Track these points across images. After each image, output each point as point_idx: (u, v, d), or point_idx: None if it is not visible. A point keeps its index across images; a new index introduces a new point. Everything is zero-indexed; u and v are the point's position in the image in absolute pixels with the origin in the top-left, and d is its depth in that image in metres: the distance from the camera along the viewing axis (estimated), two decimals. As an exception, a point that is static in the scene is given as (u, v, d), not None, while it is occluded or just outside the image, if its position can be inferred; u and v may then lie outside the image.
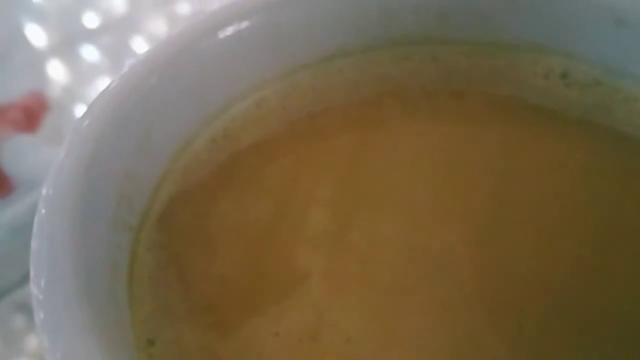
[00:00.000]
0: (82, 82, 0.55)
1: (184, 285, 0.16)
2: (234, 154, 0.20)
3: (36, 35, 0.59)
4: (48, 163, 0.52)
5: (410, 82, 0.21)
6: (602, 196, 0.18)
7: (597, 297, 0.16)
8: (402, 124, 0.21)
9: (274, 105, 0.21)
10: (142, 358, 0.15)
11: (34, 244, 0.14)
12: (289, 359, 0.15)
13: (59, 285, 0.14)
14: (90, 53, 0.56)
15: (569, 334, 0.15)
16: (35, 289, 0.14)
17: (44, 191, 0.15)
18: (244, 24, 0.20)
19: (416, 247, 0.17)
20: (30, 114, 0.49)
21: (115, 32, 0.58)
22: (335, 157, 0.20)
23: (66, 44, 0.58)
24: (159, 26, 0.59)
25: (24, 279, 0.43)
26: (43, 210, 0.15)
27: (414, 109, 0.21)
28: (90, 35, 0.58)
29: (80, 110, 0.53)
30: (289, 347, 0.15)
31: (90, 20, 0.59)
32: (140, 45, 0.57)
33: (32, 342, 0.40)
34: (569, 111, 0.20)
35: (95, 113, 0.17)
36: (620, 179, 0.19)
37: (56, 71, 0.56)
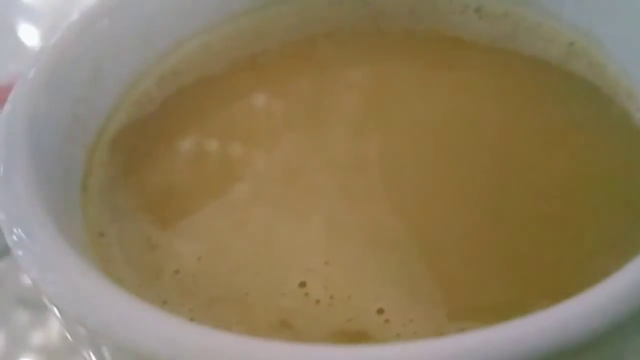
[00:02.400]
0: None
1: (131, 192, 0.19)
2: (181, 90, 0.22)
3: (27, 34, 0.61)
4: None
5: (342, 23, 0.24)
6: (509, 113, 0.21)
7: (483, 196, 0.18)
8: (333, 59, 0.23)
9: (219, 47, 0.23)
10: (94, 244, 0.17)
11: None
12: (216, 245, 0.17)
13: (16, 183, 0.16)
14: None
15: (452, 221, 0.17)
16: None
17: (5, 107, 0.17)
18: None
19: (335, 158, 0.19)
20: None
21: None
22: (271, 89, 0.22)
23: (47, 31, 0.60)
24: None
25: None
26: (3, 119, 0.17)
27: (345, 46, 0.23)
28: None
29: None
30: (218, 236, 0.17)
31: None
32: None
33: (38, 337, 0.42)
34: (480, 40, 0.22)
35: (51, 46, 0.19)
36: (526, 96, 0.21)
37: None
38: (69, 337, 0.16)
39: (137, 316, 0.13)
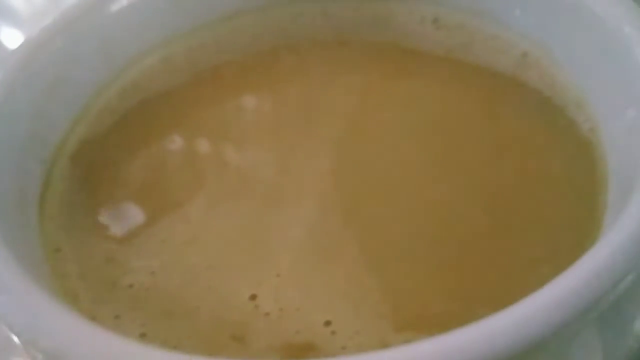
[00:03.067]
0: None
1: (89, 207, 0.19)
2: (142, 102, 0.22)
3: (10, 36, 0.61)
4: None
5: (304, 35, 0.24)
6: (461, 123, 0.21)
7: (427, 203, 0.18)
8: (294, 71, 0.23)
9: (180, 60, 0.23)
10: (49, 260, 0.17)
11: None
12: (170, 259, 0.18)
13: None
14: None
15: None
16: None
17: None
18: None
19: (287, 171, 0.20)
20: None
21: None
22: (233, 100, 0.22)
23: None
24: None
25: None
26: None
27: (306, 57, 0.24)
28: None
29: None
30: (171, 250, 0.18)
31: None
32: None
33: None
34: (436, 50, 0.23)
35: (8, 64, 0.19)
36: (477, 105, 0.22)
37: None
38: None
39: (88, 338, 0.13)
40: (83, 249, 0.18)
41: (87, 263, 0.18)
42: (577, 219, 0.17)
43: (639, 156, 0.16)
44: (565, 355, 0.14)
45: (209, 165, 0.20)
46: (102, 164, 0.20)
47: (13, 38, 0.60)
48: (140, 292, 0.17)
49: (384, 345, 0.15)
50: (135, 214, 0.19)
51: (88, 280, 0.17)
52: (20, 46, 0.20)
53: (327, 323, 0.16)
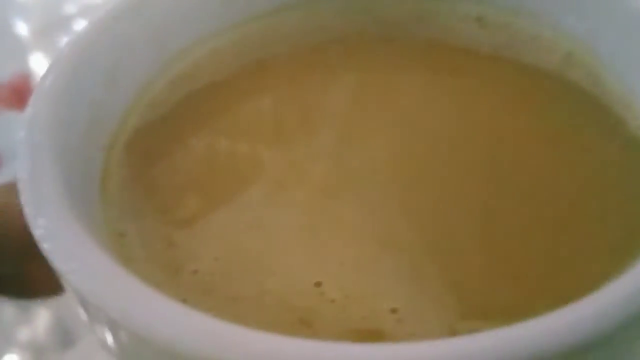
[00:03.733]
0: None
1: (148, 193, 0.19)
2: (191, 93, 0.23)
3: (19, 26, 0.61)
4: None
5: (349, 30, 0.25)
6: (510, 120, 0.22)
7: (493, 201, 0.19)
8: (341, 66, 0.24)
9: (228, 52, 0.24)
10: (114, 244, 0.18)
11: (20, 152, 0.17)
12: (232, 245, 0.18)
13: (42, 183, 0.16)
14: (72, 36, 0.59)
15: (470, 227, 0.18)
16: (23, 194, 0.16)
17: (27, 110, 0.18)
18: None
19: (346, 162, 0.20)
20: (19, 93, 0.52)
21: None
22: (280, 93, 0.23)
23: (47, 33, 0.61)
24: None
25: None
26: (27, 123, 0.18)
27: (352, 53, 0.24)
28: (69, 25, 0.61)
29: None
30: (234, 236, 0.18)
31: (69, 10, 0.61)
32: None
33: (24, 333, 0.42)
34: (481, 49, 0.23)
35: (69, 49, 0.20)
36: (523, 104, 0.22)
37: (38, 58, 0.58)
38: (92, 329, 0.16)
39: (160, 308, 0.14)
40: (146, 235, 0.18)
41: (151, 248, 0.18)
42: (629, 216, 0.18)
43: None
44: (631, 353, 0.14)
45: (263, 155, 0.20)
46: (157, 153, 0.21)
47: (25, 32, 0.60)
48: (205, 277, 0.17)
49: (451, 333, 0.15)
50: (194, 201, 0.19)
51: (153, 265, 0.18)
52: (81, 32, 0.20)
53: (393, 310, 0.16)
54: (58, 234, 0.15)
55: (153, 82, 0.22)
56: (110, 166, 0.20)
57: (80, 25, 0.61)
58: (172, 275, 0.17)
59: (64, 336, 0.40)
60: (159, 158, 0.21)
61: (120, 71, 0.21)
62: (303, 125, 0.22)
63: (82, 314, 0.16)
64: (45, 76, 0.19)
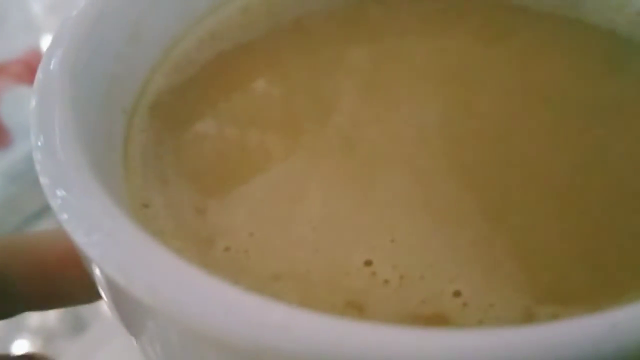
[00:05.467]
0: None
1: (173, 161, 0.17)
2: (221, 54, 0.21)
3: (32, 2, 0.59)
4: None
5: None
6: (569, 85, 0.19)
7: (551, 166, 0.17)
8: (381, 24, 0.21)
9: (260, 9, 0.22)
10: (139, 216, 0.16)
11: (33, 114, 0.15)
12: (269, 220, 0.16)
13: (58, 153, 0.14)
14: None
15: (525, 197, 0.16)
16: (37, 153, 0.14)
17: (43, 62, 0.16)
18: None
19: (395, 130, 0.18)
20: (31, 69, 0.50)
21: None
22: (317, 54, 0.21)
23: (60, 9, 0.59)
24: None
25: (21, 225, 0.44)
26: (41, 83, 0.16)
27: (395, 10, 0.22)
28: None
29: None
30: (270, 210, 0.16)
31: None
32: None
33: (34, 318, 0.41)
34: (542, 6, 0.21)
35: (87, 4, 0.18)
36: (589, 68, 0.20)
37: (51, 31, 0.56)
38: (111, 307, 0.14)
39: (194, 284, 0.12)
40: (173, 206, 0.16)
41: (179, 221, 0.16)
42: None
43: None
44: None
45: (302, 121, 0.18)
46: (183, 117, 0.19)
47: (42, 8, 0.58)
48: (239, 254, 0.15)
49: (527, 320, 0.13)
50: (225, 171, 0.17)
51: (181, 239, 0.16)
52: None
53: (457, 293, 0.14)
54: (77, 204, 0.13)
55: (180, 41, 0.20)
56: (133, 131, 0.18)
57: None
58: (202, 251, 0.15)
59: (75, 322, 0.39)
60: (185, 123, 0.19)
61: (144, 26, 0.19)
62: (345, 90, 0.19)
63: (104, 292, 0.14)
64: (60, 30, 0.17)
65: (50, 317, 0.39)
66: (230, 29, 0.21)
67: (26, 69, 0.51)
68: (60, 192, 0.13)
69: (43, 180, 0.14)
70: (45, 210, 0.45)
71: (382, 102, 0.19)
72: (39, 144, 0.14)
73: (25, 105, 0.51)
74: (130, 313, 0.14)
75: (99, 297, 0.16)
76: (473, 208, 0.16)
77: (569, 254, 0.14)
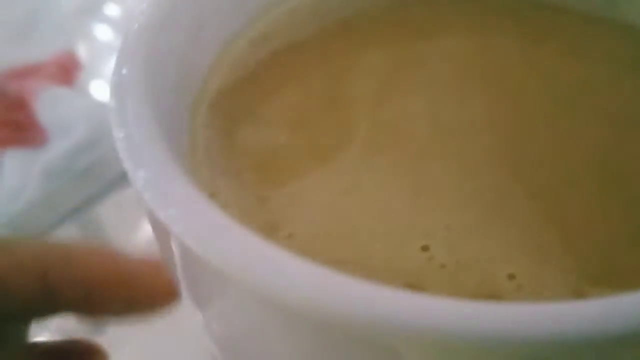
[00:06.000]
0: (110, 41, 0.57)
1: (236, 155, 0.19)
2: (273, 54, 0.22)
3: (64, 3, 0.61)
4: (81, 113, 0.54)
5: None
6: (608, 87, 0.20)
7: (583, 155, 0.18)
8: (427, 24, 0.22)
9: (307, 11, 0.23)
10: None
11: (112, 113, 0.16)
12: (328, 208, 0.17)
13: (138, 140, 0.16)
14: (115, 12, 0.58)
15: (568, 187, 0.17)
16: (120, 144, 0.16)
17: (115, 66, 0.17)
18: None
19: (445, 123, 0.19)
20: (65, 70, 0.51)
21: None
22: (365, 53, 0.22)
23: (91, 6, 0.60)
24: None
25: (56, 223, 0.45)
26: (117, 86, 0.17)
27: (439, 11, 0.23)
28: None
29: (111, 67, 0.54)
30: (329, 199, 0.17)
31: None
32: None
33: (53, 320, 0.42)
34: (580, 8, 0.22)
35: (153, 7, 0.19)
36: (627, 70, 0.21)
37: (85, 31, 0.58)
38: (184, 282, 0.15)
39: (272, 258, 0.13)
40: (239, 195, 0.17)
41: (244, 209, 0.17)
42: None
43: None
44: None
45: (355, 115, 0.19)
46: (240, 113, 0.20)
47: (73, 11, 0.59)
48: (303, 240, 0.16)
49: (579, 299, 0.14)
50: (284, 163, 0.18)
51: (249, 226, 0.17)
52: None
53: (511, 276, 0.15)
54: (157, 183, 0.14)
55: (234, 42, 0.21)
56: (197, 125, 0.19)
57: (122, 3, 0.60)
58: (267, 237, 0.16)
59: (93, 323, 0.40)
60: (243, 120, 0.20)
61: (204, 29, 0.20)
62: (393, 86, 0.20)
63: (180, 267, 0.15)
64: (131, 32, 0.18)
65: (69, 318, 0.40)
66: (279, 30, 0.22)
67: (60, 70, 0.52)
68: (142, 174, 0.15)
69: (127, 165, 0.15)
70: (80, 207, 0.46)
71: (430, 97, 0.20)
72: (121, 136, 0.15)
73: (60, 105, 0.53)
74: (204, 285, 0.15)
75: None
76: (522, 195, 0.17)
77: (618, 237, 0.15)
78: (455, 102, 0.19)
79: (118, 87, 0.17)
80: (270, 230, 0.17)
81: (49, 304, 0.21)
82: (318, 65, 0.21)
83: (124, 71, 0.17)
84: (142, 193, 0.14)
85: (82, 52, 0.55)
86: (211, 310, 0.16)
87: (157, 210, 0.14)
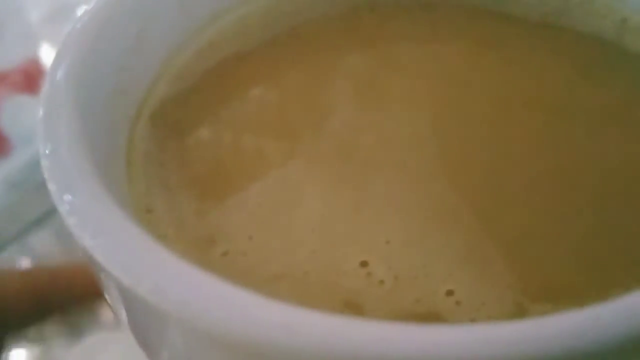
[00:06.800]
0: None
1: (174, 167, 0.18)
2: (220, 63, 0.21)
3: (29, 6, 0.60)
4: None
5: (385, -3, 0.23)
6: (563, 90, 0.20)
7: (536, 161, 0.17)
8: (375, 33, 0.22)
9: (257, 20, 0.22)
10: (142, 221, 0.16)
11: (40, 123, 0.16)
12: (267, 223, 0.16)
13: (65, 160, 0.15)
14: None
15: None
16: (45, 161, 0.15)
17: (49, 73, 0.16)
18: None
19: (389, 134, 0.19)
20: (30, 77, 0.51)
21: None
22: (314, 63, 0.21)
23: (57, 19, 0.59)
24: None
25: (21, 232, 0.45)
26: (48, 94, 0.16)
27: (388, 21, 0.22)
28: (79, 5, 0.59)
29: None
30: (268, 214, 0.17)
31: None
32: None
33: (31, 327, 0.41)
34: (530, 15, 0.22)
35: (94, 11, 0.18)
36: (577, 75, 0.20)
37: (52, 40, 0.57)
38: (116, 311, 0.15)
39: (197, 284, 0.12)
40: (175, 211, 0.17)
41: (181, 226, 0.17)
42: None
43: None
44: None
45: (298, 127, 0.19)
46: (184, 124, 0.19)
47: (38, 17, 0.59)
48: (239, 256, 0.16)
49: (519, 317, 0.14)
50: (224, 177, 0.18)
51: (183, 244, 0.16)
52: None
53: (450, 292, 0.15)
54: (84, 208, 0.14)
55: (181, 51, 0.21)
56: (136, 138, 0.18)
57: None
58: (203, 254, 0.16)
59: (71, 330, 0.39)
60: (186, 131, 0.19)
61: (147, 38, 0.19)
62: (340, 96, 0.20)
63: (110, 296, 0.14)
64: (65, 42, 0.17)
65: (47, 326, 0.40)
66: (228, 39, 0.22)
67: (25, 79, 0.51)
68: (67, 198, 0.14)
69: (51, 186, 0.14)
70: (44, 217, 0.46)
71: (376, 108, 0.19)
72: (47, 151, 0.15)
73: (25, 114, 0.52)
74: (135, 314, 0.14)
75: None
76: (464, 209, 0.16)
77: (560, 252, 0.15)
78: (402, 112, 0.19)
79: (49, 96, 0.16)
80: (206, 246, 0.16)
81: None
82: (265, 75, 0.21)
83: (57, 78, 0.16)
84: (67, 219, 0.13)
85: (49, 60, 0.55)
86: (144, 337, 0.15)
87: (81, 237, 0.13)
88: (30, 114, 0.48)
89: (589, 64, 0.20)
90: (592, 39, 0.21)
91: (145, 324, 0.14)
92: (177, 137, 0.19)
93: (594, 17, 0.21)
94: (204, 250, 0.16)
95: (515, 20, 0.22)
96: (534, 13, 0.22)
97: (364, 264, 0.15)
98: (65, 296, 0.23)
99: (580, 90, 0.20)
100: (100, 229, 0.13)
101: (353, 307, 0.15)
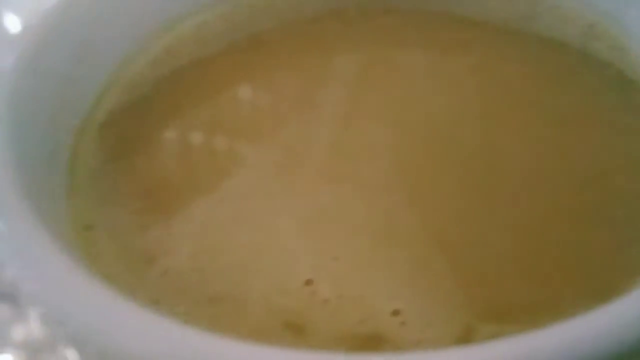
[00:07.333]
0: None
1: (120, 182, 0.17)
2: (176, 71, 0.21)
3: (9, 22, 0.59)
4: None
5: (349, 1, 0.22)
6: (527, 97, 0.19)
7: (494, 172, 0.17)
8: (339, 38, 0.21)
9: (215, 26, 0.22)
10: (80, 238, 0.15)
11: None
12: (212, 241, 0.16)
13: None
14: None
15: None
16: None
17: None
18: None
19: (342, 147, 0.18)
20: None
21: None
22: (273, 71, 0.21)
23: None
24: None
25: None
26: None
27: (351, 26, 0.22)
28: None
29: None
30: (213, 231, 0.16)
31: None
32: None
33: (19, 332, 0.40)
34: (495, 21, 0.21)
35: (35, 25, 0.18)
36: (542, 81, 0.20)
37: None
38: (51, 337, 0.14)
39: (127, 318, 0.12)
40: (116, 228, 0.16)
41: (121, 243, 0.16)
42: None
43: None
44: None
45: (251, 140, 0.18)
46: (133, 136, 0.19)
47: (12, 22, 0.58)
48: (180, 275, 0.15)
49: (464, 339, 0.13)
50: (171, 192, 0.17)
51: (122, 262, 0.15)
52: (50, 8, 0.18)
53: (395, 312, 0.14)
54: (11, 234, 0.13)
55: (133, 60, 0.20)
56: (79, 151, 0.18)
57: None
58: (143, 273, 0.15)
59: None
60: (135, 142, 0.18)
61: (93, 48, 0.19)
62: (296, 107, 0.19)
63: (40, 329, 0.14)
64: (5, 51, 0.17)
65: (35, 330, 0.39)
66: (184, 46, 0.21)
67: None
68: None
69: None
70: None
71: (331, 119, 0.19)
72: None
73: None
74: (66, 347, 0.14)
75: None
76: (413, 227, 0.15)
77: (507, 272, 0.14)
78: (358, 122, 0.18)
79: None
80: (145, 264, 0.15)
81: None
82: (220, 84, 0.20)
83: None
84: None
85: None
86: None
87: (6, 266, 0.13)
88: None
89: (554, 70, 0.20)
90: (557, 45, 0.20)
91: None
92: (126, 149, 0.18)
93: (560, 23, 0.21)
94: (142, 269, 0.15)
95: (477, 25, 0.21)
96: (497, 18, 0.21)
97: (309, 282, 0.15)
98: None
99: (543, 98, 0.19)
100: (25, 260, 0.13)
101: (293, 328, 0.14)
